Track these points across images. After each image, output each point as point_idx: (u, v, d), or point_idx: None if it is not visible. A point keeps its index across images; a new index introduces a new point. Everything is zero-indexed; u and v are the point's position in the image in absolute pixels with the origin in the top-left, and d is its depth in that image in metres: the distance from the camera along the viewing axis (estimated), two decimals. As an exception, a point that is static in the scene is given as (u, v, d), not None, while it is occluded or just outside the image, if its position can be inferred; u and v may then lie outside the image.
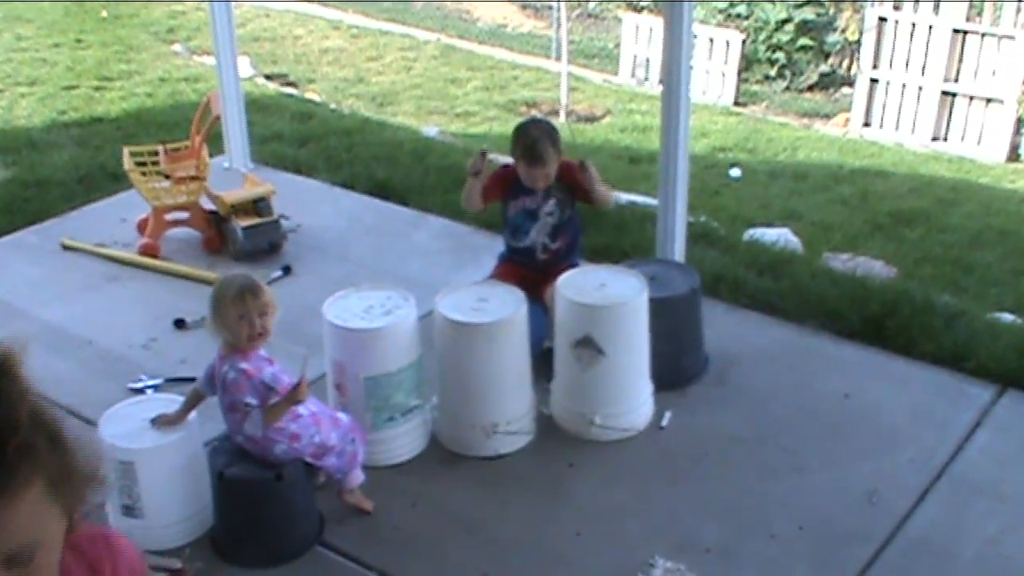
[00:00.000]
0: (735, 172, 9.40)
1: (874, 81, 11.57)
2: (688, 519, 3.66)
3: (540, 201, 4.41)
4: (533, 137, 4.26)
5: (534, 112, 10.98)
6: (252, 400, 3.31)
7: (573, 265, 4.35)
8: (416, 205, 6.21)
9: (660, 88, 4.86)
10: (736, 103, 12.45)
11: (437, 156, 7.04)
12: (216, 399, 3.47)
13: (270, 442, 3.37)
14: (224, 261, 5.59)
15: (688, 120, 4.71)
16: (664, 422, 4.14)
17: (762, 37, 13.23)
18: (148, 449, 3.45)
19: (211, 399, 3.52)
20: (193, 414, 3.55)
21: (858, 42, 12.31)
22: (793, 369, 4.51)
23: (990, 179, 9.77)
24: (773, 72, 13.18)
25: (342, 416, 3.59)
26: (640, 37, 13.13)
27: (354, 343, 3.79)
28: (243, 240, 5.52)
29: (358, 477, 3.64)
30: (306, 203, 6.27)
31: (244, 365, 3.32)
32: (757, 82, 13.15)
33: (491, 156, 7.48)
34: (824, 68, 13.17)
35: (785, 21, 13.22)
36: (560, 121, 11.05)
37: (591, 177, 4.28)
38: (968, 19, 10.99)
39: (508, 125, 4.53)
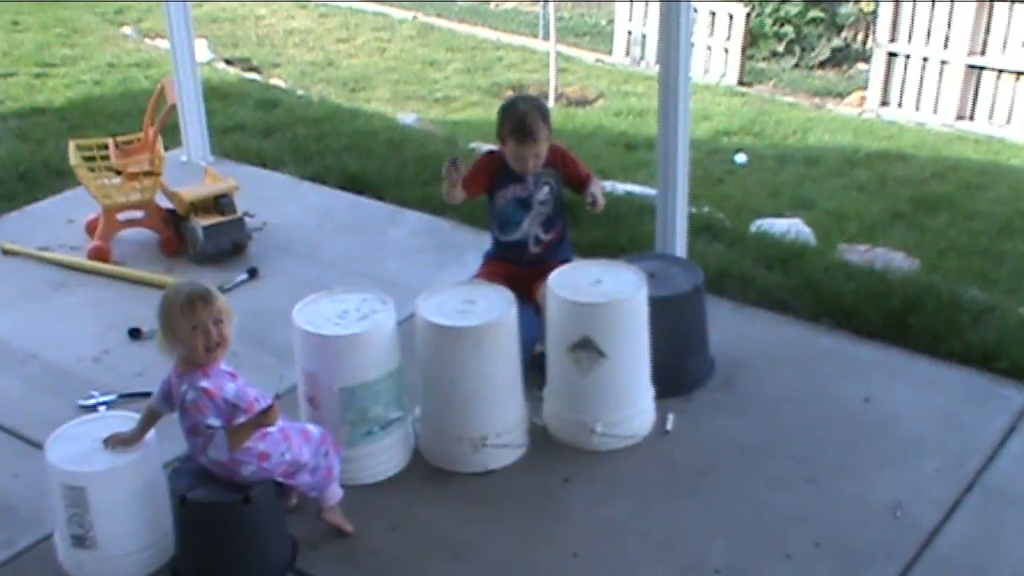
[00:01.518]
0: (740, 158, 9.43)
1: (892, 55, 11.61)
2: (694, 537, 3.67)
3: (532, 188, 4.43)
4: (522, 112, 4.29)
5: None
6: (215, 422, 3.30)
7: (565, 261, 4.37)
8: (393, 199, 6.22)
9: (657, 68, 4.88)
10: (741, 82, 12.49)
11: (415, 146, 7.05)
12: (174, 416, 3.46)
13: (237, 463, 3.36)
14: (183, 264, 5.60)
15: (688, 102, 4.73)
16: (669, 425, 4.16)
17: (768, 10, 13.27)
18: (101, 473, 3.43)
19: (170, 415, 3.52)
20: (151, 433, 3.53)
21: (874, 13, 12.36)
22: (807, 372, 4.53)
23: (1021, 160, 9.81)
24: (781, 48, 13.22)
25: (312, 428, 3.59)
26: (635, 13, 13.16)
27: (327, 351, 3.80)
28: (204, 241, 5.53)
29: (336, 493, 3.65)
30: (272, 199, 6.27)
31: (204, 383, 3.31)
32: (763, 59, 13.18)
33: (475, 146, 7.52)
34: (837, 42, 13.22)
35: (793, -8, 13.28)
36: (549, 105, 11.06)
37: (599, 196, 4.33)
38: (994, -15, 11.03)
39: (492, 110, 4.54)
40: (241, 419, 3.32)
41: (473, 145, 7.48)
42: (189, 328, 3.28)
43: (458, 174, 4.26)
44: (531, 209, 4.46)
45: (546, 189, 4.44)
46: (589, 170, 4.52)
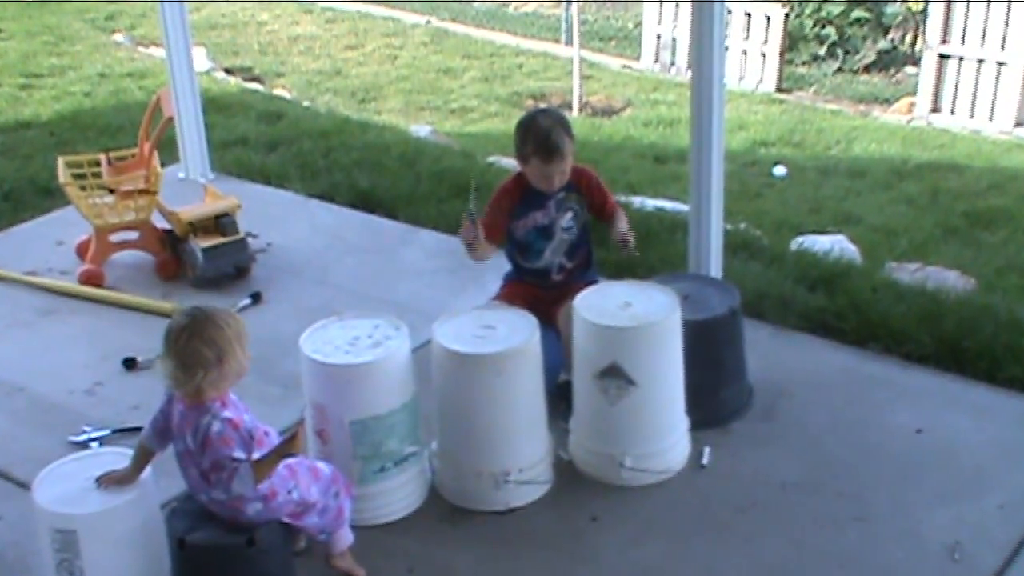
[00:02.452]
0: (779, 170, 9.44)
1: (944, 58, 11.56)
2: (735, 580, 3.66)
3: (554, 215, 4.45)
4: (546, 128, 4.31)
5: (542, 106, 11.03)
6: (240, 454, 3.30)
7: (592, 282, 4.38)
8: (406, 218, 6.25)
9: (689, 74, 4.89)
10: (779, 89, 12.50)
11: (430, 160, 7.09)
12: (170, 452, 3.46)
13: (241, 501, 3.37)
14: (181, 288, 5.62)
15: (722, 111, 4.74)
16: (705, 459, 4.16)
17: (808, 10, 13.28)
18: (93, 515, 3.42)
19: (164, 453, 3.51)
20: (147, 471, 3.52)
21: (923, 12, 12.35)
22: (853, 401, 4.52)
23: (1086, 171, 9.77)
24: (822, 51, 13.23)
25: (322, 466, 3.61)
26: (664, 15, 13.20)
27: (337, 381, 3.81)
28: (203, 263, 5.56)
29: (347, 538, 3.65)
30: (277, 218, 6.31)
31: (228, 414, 3.33)
32: (803, 64, 13.20)
33: (493, 159, 7.54)
34: (883, 44, 13.21)
35: (835, -9, 13.29)
36: (573, 114, 11.10)
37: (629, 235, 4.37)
38: (1054, -19, 10.98)
39: (511, 121, 4.56)
40: (262, 452, 3.34)
41: (492, 159, 7.51)
42: (244, 351, 3.33)
43: (476, 231, 4.25)
44: (553, 238, 4.48)
45: (569, 215, 4.46)
46: (615, 202, 4.55)
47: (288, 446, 3.33)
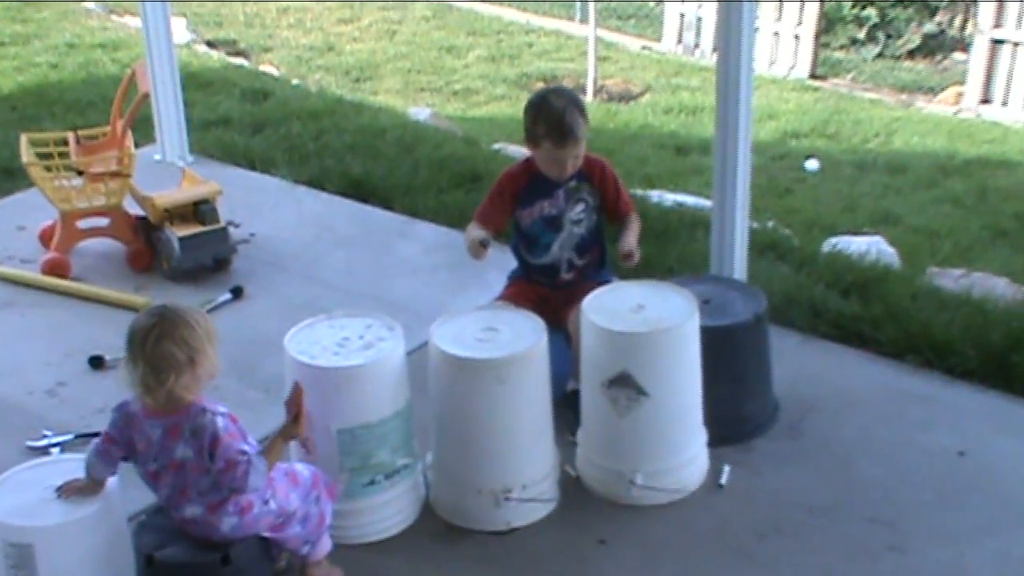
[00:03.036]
0: (812, 164, 9.45)
1: (997, 43, 11.52)
2: (755, 612, 3.68)
3: (563, 205, 4.46)
4: (558, 109, 4.31)
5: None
6: (247, 447, 3.33)
7: (605, 283, 4.39)
8: (403, 208, 6.27)
9: (714, 57, 4.90)
10: (813, 75, 12.52)
11: (429, 146, 7.10)
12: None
13: (216, 509, 3.37)
14: (155, 281, 5.64)
15: (751, 98, 4.74)
16: (723, 479, 4.17)
17: (847, -10, 13.30)
18: (51, 528, 3.41)
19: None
20: (113, 480, 3.51)
21: (974, -7, 12.35)
22: (889, 419, 4.52)
23: None
24: (862, 34, 13.24)
25: (300, 469, 3.61)
26: (689, -9, 13.21)
27: (324, 385, 3.81)
28: (180, 254, 5.57)
29: (326, 545, 3.67)
30: (262, 206, 6.33)
31: (223, 408, 3.35)
32: (841, 48, 13.21)
33: (499, 146, 7.55)
34: (929, 28, 13.21)
35: (877, -32, 13.29)
36: (587, 100, 11.11)
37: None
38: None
39: (519, 105, 4.55)
40: (270, 440, 3.41)
41: (497, 146, 7.52)
42: (216, 351, 3.34)
43: (486, 252, 4.35)
44: (562, 230, 4.49)
45: (580, 207, 4.47)
46: (631, 203, 4.57)
47: (293, 428, 3.43)
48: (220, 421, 3.29)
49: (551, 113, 4.31)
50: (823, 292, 5.27)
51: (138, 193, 5.78)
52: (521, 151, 4.65)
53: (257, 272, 5.68)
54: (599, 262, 4.60)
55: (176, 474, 3.35)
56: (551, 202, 4.46)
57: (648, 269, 4.96)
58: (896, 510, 4.03)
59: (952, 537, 3.91)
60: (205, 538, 3.42)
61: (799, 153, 9.74)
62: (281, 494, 3.48)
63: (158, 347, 3.26)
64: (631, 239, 4.40)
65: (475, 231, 4.38)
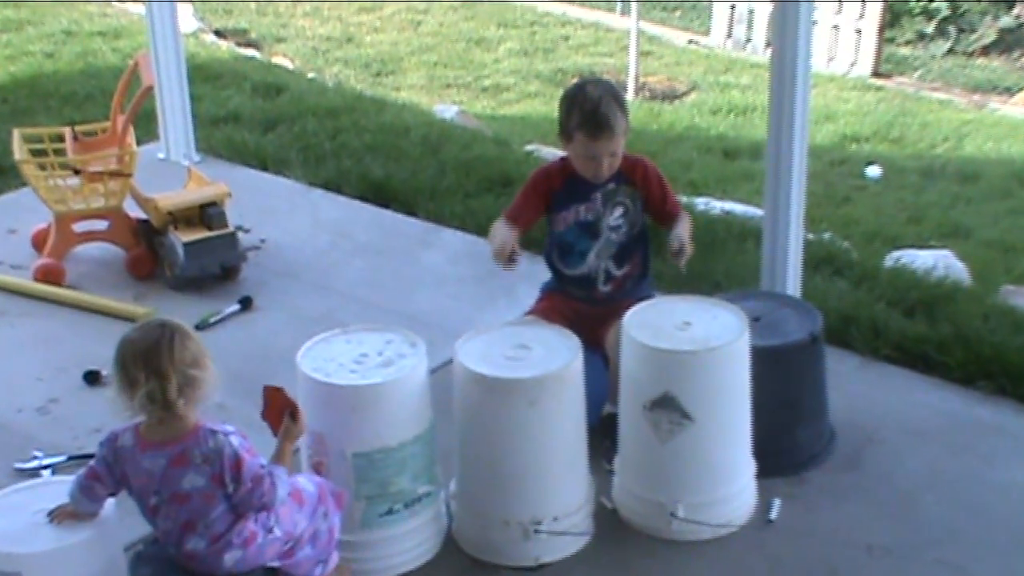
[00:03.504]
0: (873, 171, 9.43)
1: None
2: (807, 659, 3.67)
3: (600, 209, 4.47)
4: (594, 98, 4.32)
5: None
6: (263, 459, 3.41)
7: (646, 298, 4.39)
8: (427, 215, 6.29)
9: (768, 53, 4.90)
10: (876, 73, 12.49)
11: (456, 147, 7.13)
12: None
13: (219, 546, 3.39)
14: (157, 290, 5.68)
15: (808, 98, 4.75)
16: (773, 514, 4.16)
17: (914, -19, 13.27)
18: (41, 554, 3.41)
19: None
20: (110, 504, 3.53)
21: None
22: (957, 451, 4.51)
23: None
24: (930, 28, 13.20)
25: (304, 483, 3.63)
26: (741, -19, 13.22)
27: (340, 406, 3.83)
28: (184, 261, 5.60)
29: (335, 558, 3.70)
30: (273, 211, 6.36)
31: (230, 427, 3.39)
32: (907, 43, 13.17)
33: (532, 148, 7.56)
34: (1006, 21, 13.14)
35: (947, -43, 13.25)
36: (627, 99, 11.12)
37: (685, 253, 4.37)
38: None
39: (554, 103, 4.55)
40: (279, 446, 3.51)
41: (530, 147, 7.53)
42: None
43: (514, 265, 4.38)
44: (599, 237, 4.49)
45: (619, 211, 4.48)
46: (678, 201, 4.58)
47: (293, 427, 3.55)
48: (235, 440, 3.34)
49: (586, 102, 4.32)
50: (885, 311, 5.25)
51: (139, 194, 5.81)
52: (556, 153, 4.65)
53: (268, 282, 5.71)
54: (640, 274, 4.60)
55: (181, 507, 3.36)
56: (588, 206, 4.46)
57: (694, 283, 4.97)
58: (965, 552, 4.01)
59: (1028, 581, 3.90)
60: (208, 574, 3.43)
61: (859, 158, 9.72)
62: (285, 518, 3.50)
63: (171, 359, 3.29)
64: (682, 232, 4.38)
65: (502, 229, 4.39)
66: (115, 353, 3.32)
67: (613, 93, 4.39)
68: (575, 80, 10.95)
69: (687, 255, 4.35)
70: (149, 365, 3.28)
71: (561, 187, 4.47)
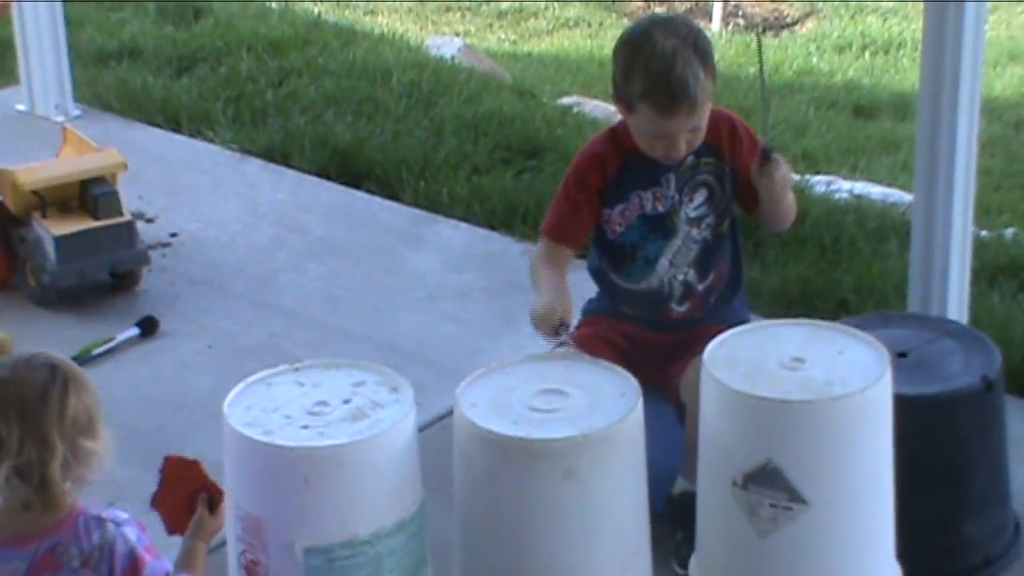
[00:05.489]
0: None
1: None
2: None
3: (675, 195, 4.47)
4: (666, 54, 4.29)
5: (656, 10, 11.08)
6: (167, 563, 3.41)
7: (739, 323, 4.38)
8: (416, 198, 6.33)
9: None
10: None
11: (459, 99, 7.16)
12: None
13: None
14: (15, 303, 5.72)
15: (982, 27, 4.76)
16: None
17: None
18: None
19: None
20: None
21: None
22: None
23: None
24: None
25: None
26: None
27: (286, 478, 3.83)
28: (57, 263, 5.62)
29: None
30: (190, 190, 6.40)
31: (123, 513, 3.40)
32: None
33: (570, 101, 7.56)
34: None
35: None
36: (713, 30, 11.15)
37: (777, 181, 4.34)
38: None
39: (604, 34, 4.51)
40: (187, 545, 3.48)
41: (568, 100, 7.54)
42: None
43: (568, 337, 4.29)
44: (674, 235, 4.51)
45: (701, 196, 4.49)
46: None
47: (209, 521, 3.54)
48: (132, 533, 3.35)
49: (653, 60, 4.29)
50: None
51: (-9, 165, 5.86)
52: (607, 110, 4.61)
53: (181, 295, 5.75)
54: (731, 287, 4.61)
55: None
56: (657, 192, 4.47)
57: (809, 300, 4.98)
58: None
59: None
60: None
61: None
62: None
63: (61, 422, 3.29)
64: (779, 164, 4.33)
65: (547, 275, 4.35)
66: None
67: (694, 42, 4.34)
68: (636, 12, 11.01)
69: (783, 172, 4.31)
70: (27, 425, 3.28)
71: (617, 170, 4.48)
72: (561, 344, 4.25)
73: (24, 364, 3.37)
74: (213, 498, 3.53)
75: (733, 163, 4.47)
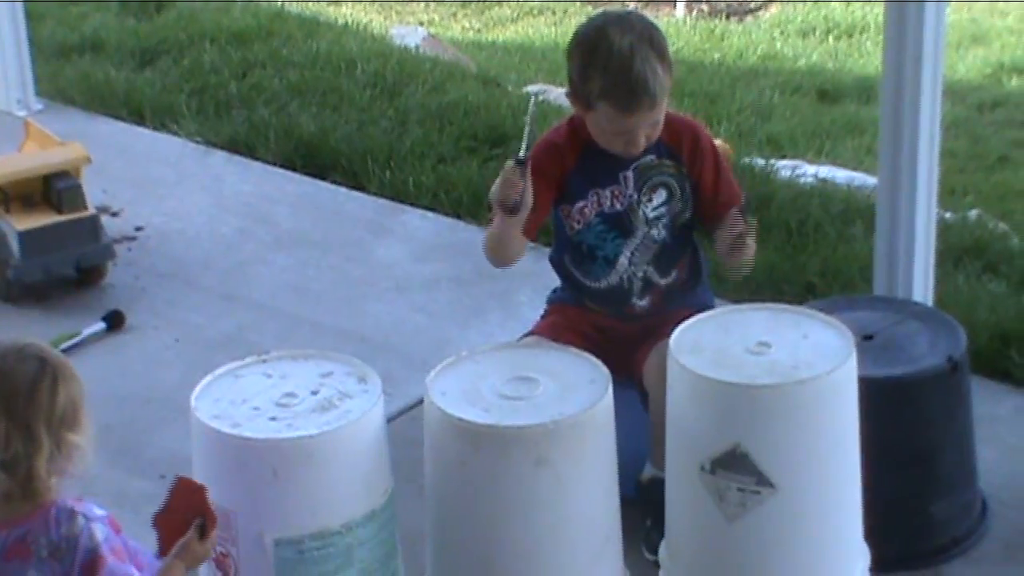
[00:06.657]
0: (1044, 118, 9.43)
1: None
2: None
3: (633, 193, 4.46)
4: (623, 51, 4.28)
5: (613, 3, 11.09)
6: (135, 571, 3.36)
7: (704, 308, 4.39)
8: (382, 188, 6.33)
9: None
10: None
11: (424, 88, 7.17)
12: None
13: None
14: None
15: (944, 10, 4.76)
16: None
17: None
18: None
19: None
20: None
21: None
22: None
23: None
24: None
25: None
26: None
27: (255, 470, 3.83)
28: (21, 258, 5.62)
29: None
30: (155, 183, 6.39)
31: (100, 510, 3.37)
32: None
33: (536, 89, 7.56)
34: None
35: None
36: (677, 16, 11.14)
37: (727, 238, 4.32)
38: None
39: (566, 22, 4.52)
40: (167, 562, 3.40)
41: (534, 88, 7.54)
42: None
43: (525, 188, 4.24)
44: (633, 233, 4.51)
45: (661, 195, 4.49)
46: (738, 188, 4.54)
47: (197, 545, 3.40)
48: (99, 531, 3.32)
49: (611, 58, 4.28)
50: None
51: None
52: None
53: (147, 289, 5.74)
54: (691, 277, 4.62)
55: None
56: (616, 190, 4.47)
57: (775, 285, 4.99)
58: None
59: None
60: None
61: (1022, 99, 9.73)
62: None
63: (49, 415, 3.28)
64: (738, 226, 4.30)
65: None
66: None
67: (651, 38, 4.33)
68: (602, 4, 10.97)
69: (746, 264, 4.34)
70: (15, 417, 3.28)
71: (575, 164, 4.48)
72: (513, 208, 4.24)
73: (14, 356, 3.35)
74: (206, 525, 3.50)
75: (691, 173, 4.47)
